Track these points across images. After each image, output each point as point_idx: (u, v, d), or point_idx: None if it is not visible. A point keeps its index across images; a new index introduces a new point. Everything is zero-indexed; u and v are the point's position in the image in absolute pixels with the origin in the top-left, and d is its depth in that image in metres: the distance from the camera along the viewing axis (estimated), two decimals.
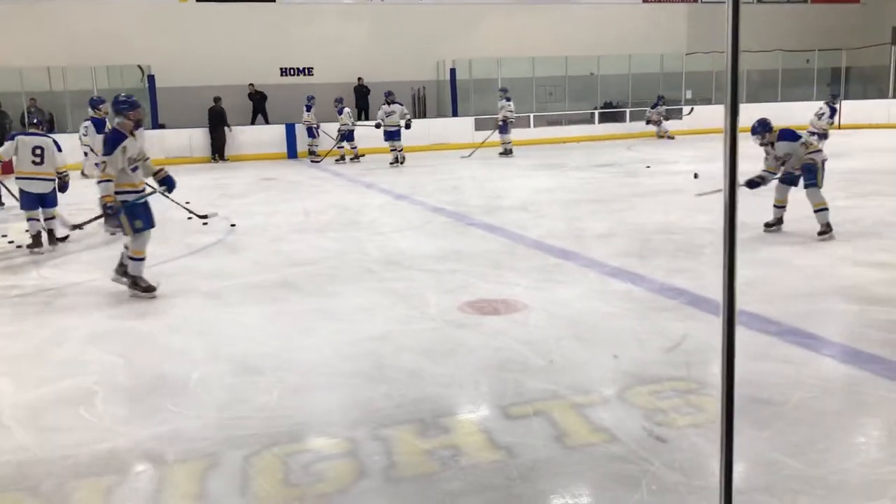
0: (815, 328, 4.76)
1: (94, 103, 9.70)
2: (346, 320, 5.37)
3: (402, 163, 16.21)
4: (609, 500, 2.90)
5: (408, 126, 16.30)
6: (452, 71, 21.74)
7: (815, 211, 7.65)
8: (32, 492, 3.11)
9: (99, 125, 9.36)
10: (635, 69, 22.67)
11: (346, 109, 17.58)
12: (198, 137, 18.73)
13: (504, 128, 17.38)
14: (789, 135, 7.92)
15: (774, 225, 8.00)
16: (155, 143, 16.33)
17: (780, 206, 8.01)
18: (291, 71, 20.98)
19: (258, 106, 20.05)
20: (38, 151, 8.16)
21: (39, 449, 3.51)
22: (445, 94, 22.11)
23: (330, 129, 18.19)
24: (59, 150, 8.33)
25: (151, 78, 19.43)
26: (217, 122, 18.69)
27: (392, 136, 16.38)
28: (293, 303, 5.88)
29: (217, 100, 18.69)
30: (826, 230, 7.53)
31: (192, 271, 7.05)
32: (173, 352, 4.81)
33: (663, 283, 5.94)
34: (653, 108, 20.86)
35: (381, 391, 4.05)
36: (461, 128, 20.39)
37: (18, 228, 8.83)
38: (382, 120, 16.47)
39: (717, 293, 4.42)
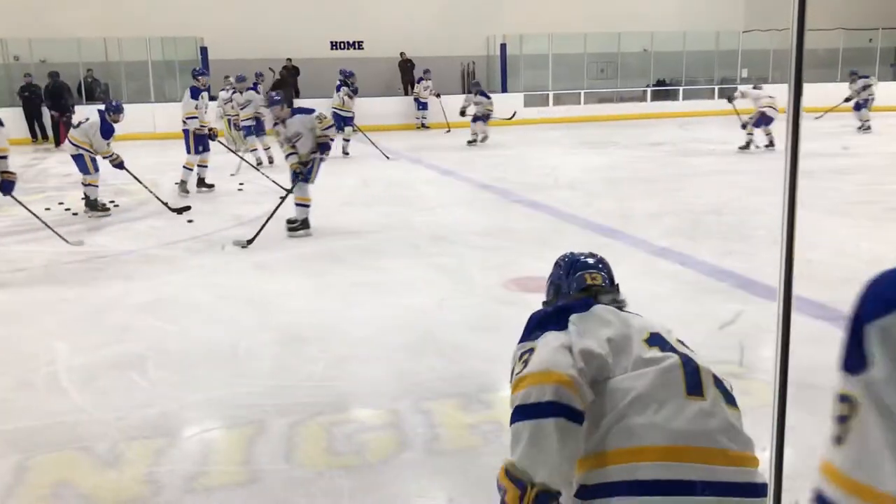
0: None
1: (196, 73, 10.68)
2: (392, 294, 5.41)
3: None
4: None
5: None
6: (503, 46, 21.53)
7: (297, 204, 7.16)
8: (86, 451, 3.21)
9: (194, 93, 10.13)
10: (690, 46, 22.20)
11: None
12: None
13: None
14: (303, 109, 7.30)
15: (299, 227, 7.26)
16: (209, 114, 16.47)
17: (304, 204, 7.27)
18: (342, 45, 20.98)
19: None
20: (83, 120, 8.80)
21: (93, 411, 3.61)
22: (495, 69, 21.94)
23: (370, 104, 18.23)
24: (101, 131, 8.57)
25: (204, 50, 19.62)
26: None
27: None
28: (340, 275, 5.94)
29: (282, 70, 18.75)
30: (298, 227, 7.05)
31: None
32: (223, 320, 4.90)
33: (713, 265, 5.85)
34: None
35: (426, 364, 4.08)
36: (511, 104, 20.23)
37: (75, 196, 9.04)
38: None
39: (769, 276, 4.39)
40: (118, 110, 8.68)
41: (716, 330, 4.48)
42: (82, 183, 8.65)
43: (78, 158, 8.54)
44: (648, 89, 21.95)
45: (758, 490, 1.55)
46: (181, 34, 19.02)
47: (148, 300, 5.37)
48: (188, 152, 9.96)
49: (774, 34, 20.94)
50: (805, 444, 3.07)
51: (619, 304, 2.02)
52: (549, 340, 1.72)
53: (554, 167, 11.84)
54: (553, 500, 1.54)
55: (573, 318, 1.79)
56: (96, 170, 8.60)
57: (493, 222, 7.72)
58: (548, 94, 20.96)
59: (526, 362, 1.71)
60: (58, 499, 2.86)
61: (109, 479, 3.00)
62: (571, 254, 2.24)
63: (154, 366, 4.14)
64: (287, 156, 7.30)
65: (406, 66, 20.52)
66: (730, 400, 1.69)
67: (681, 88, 21.88)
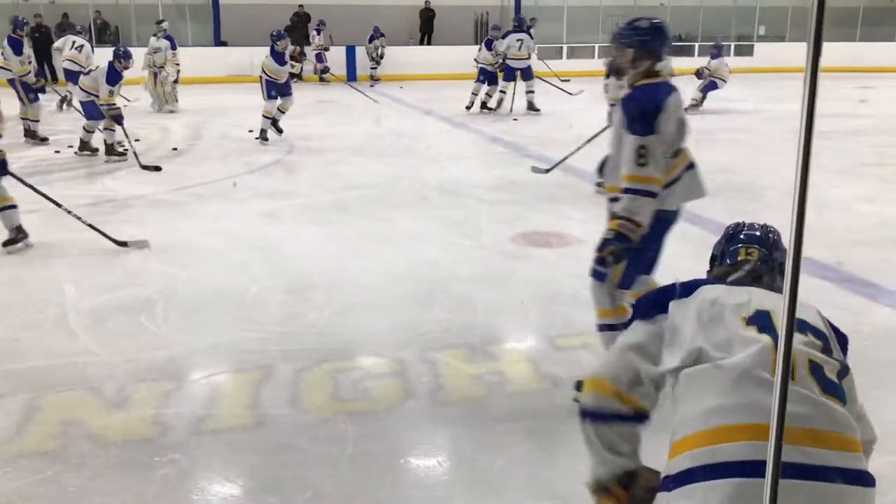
0: (876, 277, 4.65)
1: (274, 37, 9.98)
2: (399, 245, 5.42)
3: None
4: (651, 434, 2.92)
5: None
6: None
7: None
8: (95, 392, 3.26)
9: (278, 58, 9.75)
10: (707, 1, 21.80)
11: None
12: (261, 56, 18.51)
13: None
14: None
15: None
16: (219, 60, 16.28)
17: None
18: None
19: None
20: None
21: (102, 353, 3.66)
22: (509, 20, 21.59)
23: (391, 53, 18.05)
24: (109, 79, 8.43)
25: None
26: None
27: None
28: (347, 225, 5.94)
29: (293, 17, 18.42)
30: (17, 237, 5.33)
31: (251, 189, 7.15)
32: (232, 266, 4.92)
33: (721, 224, 5.82)
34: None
35: (431, 315, 4.10)
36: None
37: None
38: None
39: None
40: (127, 56, 8.54)
41: None
42: (83, 127, 8.61)
43: (89, 105, 8.45)
44: None
45: (862, 478, 1.42)
46: None
47: (157, 244, 5.39)
48: (264, 98, 9.78)
49: None
50: None
51: (760, 283, 1.84)
52: (627, 337, 1.71)
53: (566, 121, 11.72)
54: (615, 486, 1.64)
55: (672, 305, 1.70)
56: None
57: (502, 176, 7.68)
58: (562, 48, 20.65)
59: None
60: (67, 437, 2.91)
61: (117, 419, 3.05)
62: (740, 224, 2.07)
63: (162, 310, 4.18)
64: None
65: (428, 14, 20.13)
66: (829, 390, 1.51)
67: (696, 44, 21.53)
